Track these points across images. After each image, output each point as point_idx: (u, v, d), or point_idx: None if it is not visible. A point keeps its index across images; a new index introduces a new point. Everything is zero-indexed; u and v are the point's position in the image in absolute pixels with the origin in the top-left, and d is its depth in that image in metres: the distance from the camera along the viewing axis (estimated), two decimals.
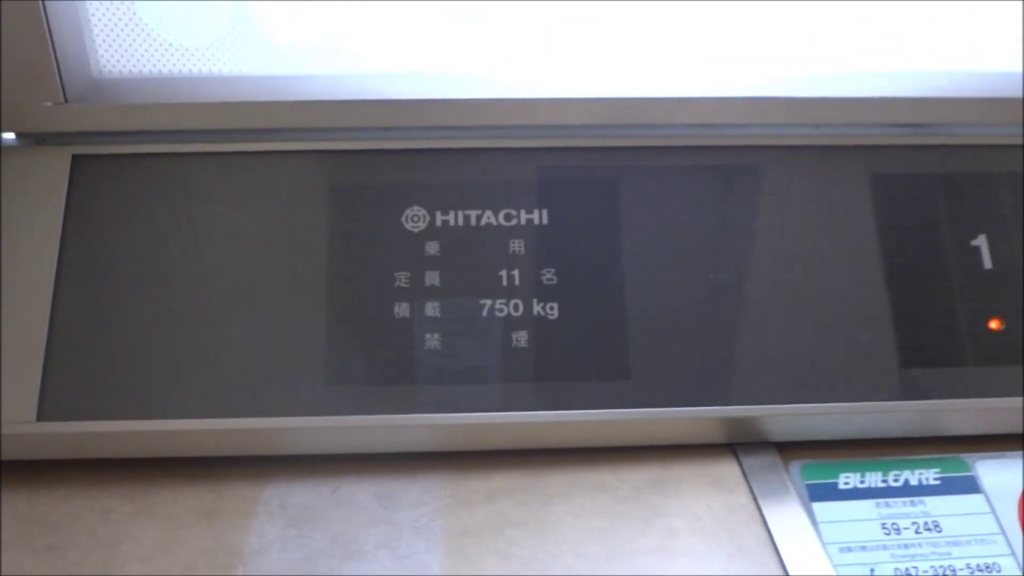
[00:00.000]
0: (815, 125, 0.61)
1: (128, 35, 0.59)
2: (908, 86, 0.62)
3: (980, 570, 0.51)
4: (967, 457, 0.57)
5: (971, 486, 0.55)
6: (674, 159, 0.60)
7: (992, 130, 0.62)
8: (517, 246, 0.58)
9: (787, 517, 0.51)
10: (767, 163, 0.60)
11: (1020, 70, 0.62)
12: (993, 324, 0.58)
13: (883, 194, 0.60)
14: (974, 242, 0.60)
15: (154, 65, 0.60)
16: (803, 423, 0.56)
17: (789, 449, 0.56)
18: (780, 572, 0.47)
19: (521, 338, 0.56)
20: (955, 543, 0.52)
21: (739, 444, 0.56)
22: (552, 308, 0.57)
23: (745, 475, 0.54)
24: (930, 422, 0.57)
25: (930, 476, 0.56)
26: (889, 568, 0.51)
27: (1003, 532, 0.53)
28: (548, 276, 0.57)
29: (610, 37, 0.61)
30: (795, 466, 0.55)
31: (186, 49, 0.60)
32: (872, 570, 0.51)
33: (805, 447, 0.57)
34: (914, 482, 0.55)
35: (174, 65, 0.60)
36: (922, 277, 0.59)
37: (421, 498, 0.52)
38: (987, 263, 0.59)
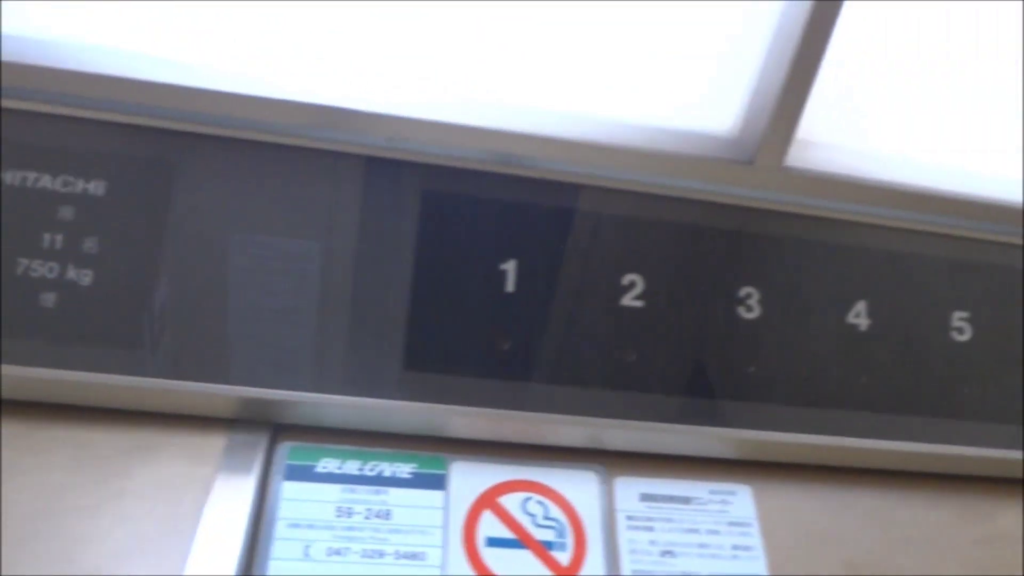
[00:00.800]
0: (387, 137, 0.65)
1: None
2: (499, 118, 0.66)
3: (405, 556, 0.58)
4: (448, 457, 0.63)
5: (438, 483, 0.62)
6: (241, 152, 0.64)
7: (548, 165, 0.67)
8: (67, 212, 0.61)
9: (232, 490, 0.57)
10: (323, 166, 0.64)
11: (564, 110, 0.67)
12: (503, 343, 0.65)
13: (429, 209, 0.65)
14: (503, 266, 0.66)
15: None
16: (298, 410, 0.61)
17: (296, 431, 0.62)
18: (189, 535, 0.53)
19: (49, 299, 0.60)
20: (396, 531, 0.59)
21: (240, 421, 0.61)
22: (86, 275, 0.60)
23: (225, 450, 0.59)
24: (424, 422, 0.63)
25: (405, 470, 0.62)
26: (323, 547, 0.57)
27: (445, 526, 0.60)
28: (90, 244, 0.61)
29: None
30: (284, 447, 0.61)
31: None
32: (307, 547, 0.57)
33: (324, 433, 0.62)
34: (388, 473, 0.62)
35: None
36: (445, 291, 0.64)
37: None
38: (510, 286, 0.65)
